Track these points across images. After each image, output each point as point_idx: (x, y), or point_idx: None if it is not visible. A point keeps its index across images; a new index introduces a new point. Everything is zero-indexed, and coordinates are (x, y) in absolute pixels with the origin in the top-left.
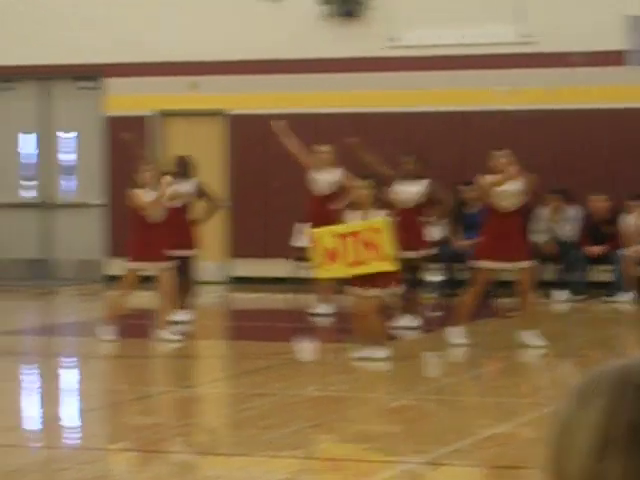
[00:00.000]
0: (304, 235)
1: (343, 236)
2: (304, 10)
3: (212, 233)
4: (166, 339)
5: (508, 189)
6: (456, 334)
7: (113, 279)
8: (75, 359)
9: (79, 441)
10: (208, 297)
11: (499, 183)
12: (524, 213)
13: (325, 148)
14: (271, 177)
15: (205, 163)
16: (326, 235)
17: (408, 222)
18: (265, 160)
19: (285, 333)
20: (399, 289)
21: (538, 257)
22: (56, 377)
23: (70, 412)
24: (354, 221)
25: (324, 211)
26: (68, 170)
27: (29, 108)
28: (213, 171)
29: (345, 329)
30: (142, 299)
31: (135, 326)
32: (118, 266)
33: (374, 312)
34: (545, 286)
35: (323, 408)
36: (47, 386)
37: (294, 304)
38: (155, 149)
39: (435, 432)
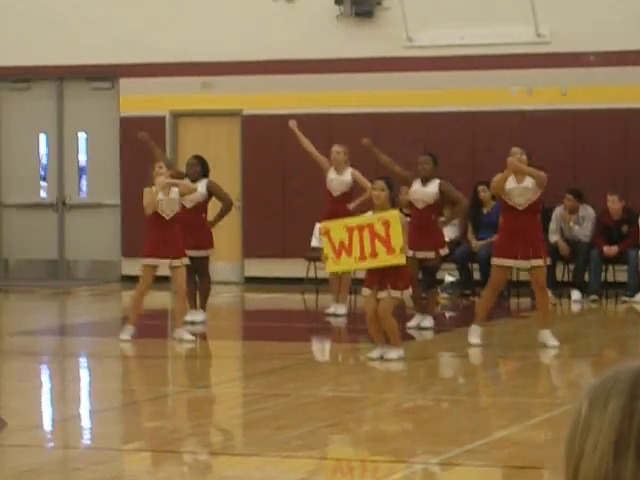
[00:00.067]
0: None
1: (353, 229)
2: (318, 10)
3: (226, 233)
4: (183, 339)
5: (516, 186)
6: (476, 333)
7: (128, 279)
8: (90, 359)
9: (94, 441)
10: (223, 297)
11: (504, 178)
12: (541, 211)
13: (339, 148)
14: (285, 177)
15: (218, 163)
16: (336, 228)
17: (424, 222)
18: (279, 160)
19: (300, 333)
20: (411, 290)
21: (553, 257)
22: (71, 377)
23: (85, 412)
24: (365, 214)
25: (340, 211)
26: (82, 170)
27: (44, 109)
28: (226, 171)
29: (359, 329)
30: (157, 299)
31: (151, 326)
32: (133, 266)
33: (388, 313)
34: (560, 286)
35: (338, 408)
36: (62, 386)
37: (309, 304)
38: (169, 149)
39: (450, 432)
